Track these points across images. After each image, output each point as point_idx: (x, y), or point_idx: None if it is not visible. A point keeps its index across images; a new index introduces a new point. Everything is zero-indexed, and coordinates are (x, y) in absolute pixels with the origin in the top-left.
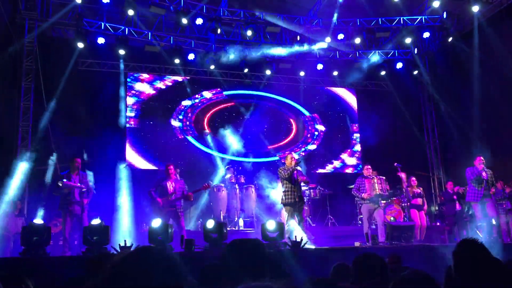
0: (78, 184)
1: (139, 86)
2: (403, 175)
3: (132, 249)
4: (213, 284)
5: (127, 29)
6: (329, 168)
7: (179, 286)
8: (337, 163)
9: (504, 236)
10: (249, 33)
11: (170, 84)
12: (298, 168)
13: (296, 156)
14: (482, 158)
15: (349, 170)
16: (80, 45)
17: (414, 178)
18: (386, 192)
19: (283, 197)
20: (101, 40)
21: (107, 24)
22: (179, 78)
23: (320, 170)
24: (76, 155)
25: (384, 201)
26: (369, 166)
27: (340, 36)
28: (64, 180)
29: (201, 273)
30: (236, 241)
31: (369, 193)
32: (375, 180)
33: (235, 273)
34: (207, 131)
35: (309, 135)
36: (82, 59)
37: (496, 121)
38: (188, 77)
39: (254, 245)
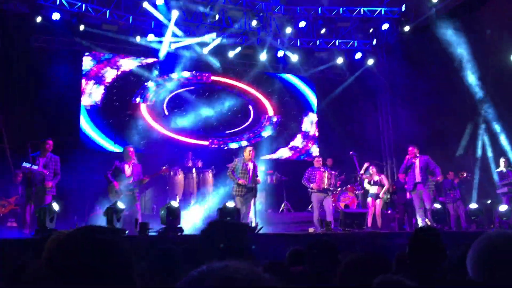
0: (39, 168)
1: (97, 67)
2: (370, 167)
3: None
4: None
5: (83, 5)
6: (278, 154)
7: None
8: (286, 150)
9: (453, 224)
10: (212, 14)
11: (130, 65)
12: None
13: (251, 149)
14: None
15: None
16: (38, 19)
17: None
18: (333, 187)
19: (233, 188)
20: (56, 16)
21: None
22: (137, 60)
23: (271, 156)
24: (47, 136)
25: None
26: (320, 159)
27: (302, 24)
28: (27, 165)
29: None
30: (219, 222)
31: (318, 184)
32: (326, 174)
33: (211, 255)
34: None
35: (265, 122)
36: (36, 35)
37: (445, 114)
38: (148, 59)
39: (237, 226)
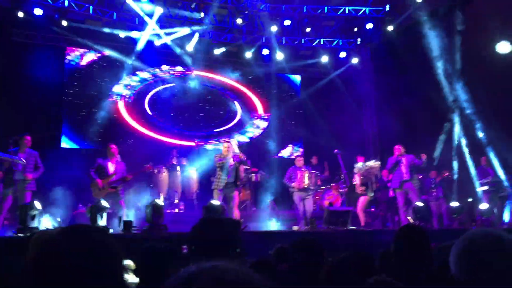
0: (19, 159)
1: (77, 62)
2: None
3: None
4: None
5: (66, 0)
6: (281, 154)
7: (116, 268)
8: (287, 150)
9: (435, 221)
10: (196, 13)
11: (110, 58)
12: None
13: (229, 144)
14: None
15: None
16: (20, 14)
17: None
18: (314, 186)
19: (214, 182)
20: (38, 11)
21: None
22: (118, 55)
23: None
24: (25, 132)
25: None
26: (301, 158)
27: (287, 22)
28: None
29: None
30: (210, 219)
31: (298, 184)
32: (306, 174)
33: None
34: None
35: (255, 120)
36: (18, 30)
37: (428, 113)
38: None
39: (231, 224)
